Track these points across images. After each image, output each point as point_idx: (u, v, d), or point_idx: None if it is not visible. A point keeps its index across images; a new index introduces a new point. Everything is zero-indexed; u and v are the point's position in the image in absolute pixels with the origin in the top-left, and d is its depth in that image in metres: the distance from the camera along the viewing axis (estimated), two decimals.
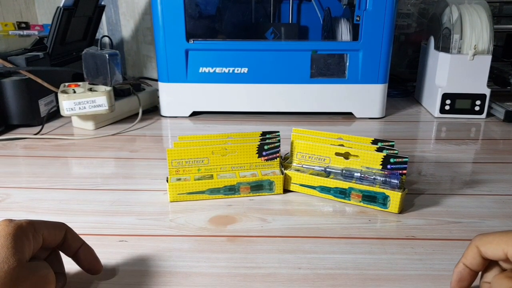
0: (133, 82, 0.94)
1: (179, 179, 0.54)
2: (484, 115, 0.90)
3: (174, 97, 0.91)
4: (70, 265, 0.37)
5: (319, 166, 0.56)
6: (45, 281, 0.32)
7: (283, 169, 0.57)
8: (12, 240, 0.31)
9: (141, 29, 1.26)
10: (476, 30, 0.86)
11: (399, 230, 0.47)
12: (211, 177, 0.55)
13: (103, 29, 1.26)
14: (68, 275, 0.38)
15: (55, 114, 0.89)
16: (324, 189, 0.54)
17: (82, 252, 0.37)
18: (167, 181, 0.54)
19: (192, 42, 0.87)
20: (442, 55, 0.90)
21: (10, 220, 0.32)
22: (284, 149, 0.62)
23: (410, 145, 0.76)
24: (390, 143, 0.56)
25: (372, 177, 0.52)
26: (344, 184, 0.53)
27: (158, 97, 0.93)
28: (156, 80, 0.96)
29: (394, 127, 0.87)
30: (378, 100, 0.91)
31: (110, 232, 0.47)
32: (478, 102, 0.89)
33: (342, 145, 0.56)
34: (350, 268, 0.41)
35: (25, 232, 0.32)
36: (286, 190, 0.57)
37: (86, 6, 0.98)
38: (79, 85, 0.83)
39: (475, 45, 0.86)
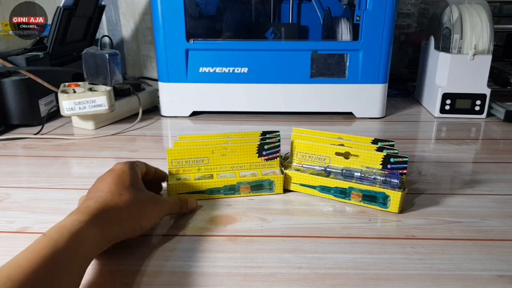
0: (133, 82, 0.93)
1: (179, 179, 0.54)
2: (484, 115, 0.90)
3: (174, 97, 0.91)
4: None
5: (319, 166, 0.56)
6: (159, 211, 0.46)
7: (283, 168, 0.57)
8: (136, 175, 0.45)
9: (141, 29, 1.26)
10: (476, 30, 0.86)
11: (399, 230, 0.47)
12: (211, 177, 0.55)
13: (103, 29, 1.26)
14: None
15: (55, 114, 0.89)
16: (324, 189, 0.54)
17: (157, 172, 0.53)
18: (167, 181, 0.54)
19: (192, 42, 0.87)
20: (442, 55, 0.90)
21: (124, 163, 0.46)
22: (284, 149, 0.62)
23: (410, 145, 0.76)
24: (390, 143, 0.56)
25: (372, 177, 0.52)
26: (344, 184, 0.53)
27: (158, 97, 0.93)
28: (156, 80, 0.96)
29: (394, 127, 0.87)
30: (378, 100, 0.91)
31: None
32: (478, 102, 0.89)
33: (342, 145, 0.56)
34: (350, 268, 0.41)
35: (136, 168, 0.46)
36: (286, 190, 0.57)
37: (86, 6, 0.98)
38: (79, 85, 0.83)
39: (475, 45, 0.86)
